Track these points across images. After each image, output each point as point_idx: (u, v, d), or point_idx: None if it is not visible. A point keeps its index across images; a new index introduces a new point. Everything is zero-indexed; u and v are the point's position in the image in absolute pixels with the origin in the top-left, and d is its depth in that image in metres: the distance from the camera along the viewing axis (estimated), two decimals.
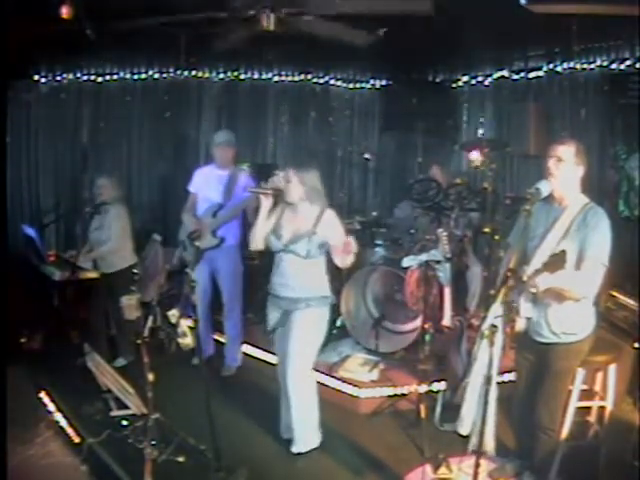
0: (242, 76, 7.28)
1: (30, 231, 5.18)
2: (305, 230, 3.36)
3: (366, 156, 6.41)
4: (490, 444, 3.31)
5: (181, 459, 3.32)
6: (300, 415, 3.47)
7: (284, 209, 3.49)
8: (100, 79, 6.78)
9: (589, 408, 3.48)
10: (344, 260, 3.34)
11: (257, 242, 3.52)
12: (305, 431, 3.51)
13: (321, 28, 4.16)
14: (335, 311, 4.61)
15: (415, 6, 3.72)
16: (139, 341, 3.23)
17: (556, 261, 2.40)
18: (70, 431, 3.59)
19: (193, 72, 7.03)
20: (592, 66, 5.58)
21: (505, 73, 6.44)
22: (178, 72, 6.94)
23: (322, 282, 3.49)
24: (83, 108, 6.79)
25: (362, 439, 3.75)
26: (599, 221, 2.73)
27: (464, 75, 6.90)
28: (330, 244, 3.36)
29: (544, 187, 2.78)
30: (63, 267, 4.88)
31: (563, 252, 2.42)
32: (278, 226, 3.46)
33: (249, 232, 3.60)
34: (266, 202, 3.44)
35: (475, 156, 4.89)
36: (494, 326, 2.42)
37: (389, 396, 4.16)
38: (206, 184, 4.62)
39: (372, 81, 7.69)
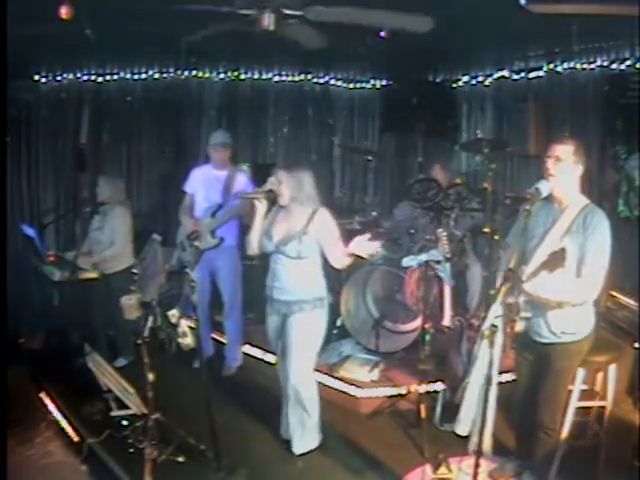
0: (242, 76, 7.27)
1: (30, 231, 5.19)
2: (296, 231, 3.35)
3: (367, 157, 6.41)
4: (487, 443, 3.31)
5: (181, 459, 3.33)
6: (302, 417, 3.47)
7: (278, 211, 3.49)
8: (100, 79, 6.76)
9: (589, 408, 3.47)
10: (340, 261, 3.34)
11: (253, 246, 3.53)
12: (305, 433, 3.51)
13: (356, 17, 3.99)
14: (335, 311, 4.62)
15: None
16: (139, 341, 3.23)
17: (556, 259, 2.39)
18: (70, 431, 3.60)
19: (193, 72, 7.03)
20: (592, 66, 5.56)
21: (505, 73, 6.42)
22: (178, 72, 6.94)
23: (317, 283, 3.46)
24: (83, 108, 6.78)
25: (362, 439, 3.76)
26: (599, 223, 2.72)
27: (464, 75, 6.88)
28: (323, 244, 3.35)
29: (544, 187, 2.78)
30: (63, 267, 4.89)
31: (563, 250, 2.40)
32: (270, 227, 3.46)
33: (247, 233, 3.59)
34: (261, 206, 3.43)
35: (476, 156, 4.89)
36: (494, 326, 2.42)
37: (389, 396, 4.16)
38: (204, 184, 4.61)
39: (372, 81, 7.67)
